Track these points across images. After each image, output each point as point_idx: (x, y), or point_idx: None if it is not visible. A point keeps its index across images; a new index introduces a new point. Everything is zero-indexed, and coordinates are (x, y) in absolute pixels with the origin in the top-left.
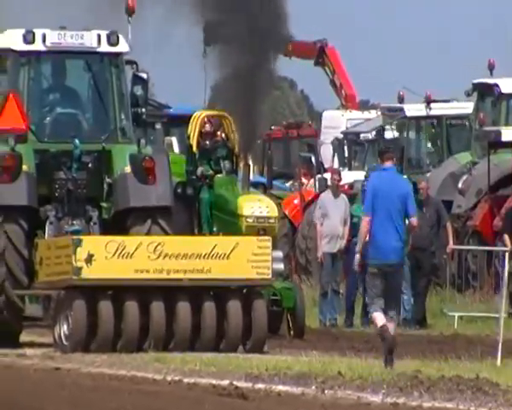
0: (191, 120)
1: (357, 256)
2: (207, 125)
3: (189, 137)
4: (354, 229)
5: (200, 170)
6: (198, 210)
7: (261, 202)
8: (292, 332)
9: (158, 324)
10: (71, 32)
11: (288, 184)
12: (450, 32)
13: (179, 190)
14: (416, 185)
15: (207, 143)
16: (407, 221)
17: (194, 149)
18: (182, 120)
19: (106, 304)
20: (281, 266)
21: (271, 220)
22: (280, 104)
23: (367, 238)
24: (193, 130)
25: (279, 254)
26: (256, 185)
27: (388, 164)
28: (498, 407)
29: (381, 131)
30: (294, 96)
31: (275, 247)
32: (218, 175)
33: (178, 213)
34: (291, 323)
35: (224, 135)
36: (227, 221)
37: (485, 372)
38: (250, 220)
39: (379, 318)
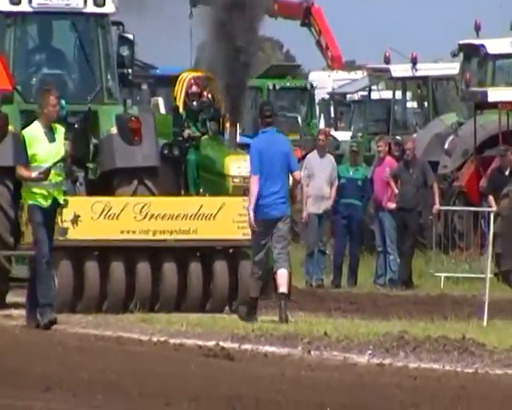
0: (177, 81)
1: (251, 215)
2: (194, 87)
3: (175, 99)
4: (341, 190)
5: (186, 132)
6: (185, 171)
7: (248, 161)
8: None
9: (144, 284)
10: None
11: None
12: None
13: (166, 152)
14: (403, 146)
15: (194, 104)
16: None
17: (181, 110)
18: (168, 81)
19: (92, 265)
20: None
21: None
22: (265, 65)
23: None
24: (179, 91)
25: None
26: (243, 146)
27: (268, 128)
28: (484, 367)
29: (367, 91)
30: (279, 56)
31: None
32: (205, 136)
33: (165, 174)
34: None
35: (210, 96)
36: (214, 182)
37: (472, 333)
38: (236, 180)
39: (257, 288)
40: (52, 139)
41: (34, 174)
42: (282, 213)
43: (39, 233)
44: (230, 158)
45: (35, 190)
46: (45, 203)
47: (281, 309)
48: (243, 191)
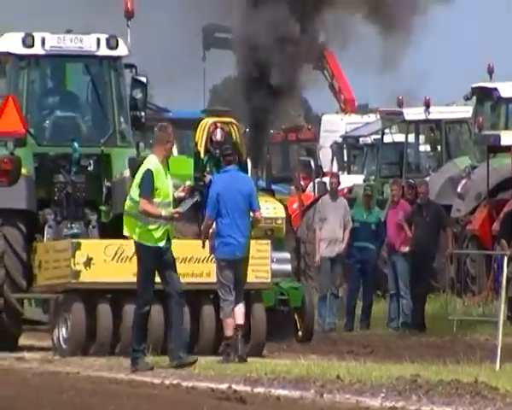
0: (199, 127)
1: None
2: (218, 135)
3: (196, 144)
4: (354, 233)
5: (208, 177)
6: None
7: (268, 202)
8: (300, 333)
9: (156, 327)
10: (70, 36)
11: (292, 188)
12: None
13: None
14: (416, 189)
15: (217, 151)
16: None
17: (202, 155)
18: (181, 124)
19: (104, 307)
20: (288, 266)
21: (279, 221)
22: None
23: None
24: (200, 136)
25: (286, 255)
26: (264, 190)
27: (229, 167)
28: None
29: (380, 134)
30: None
31: (282, 248)
32: None
33: (186, 218)
34: (299, 323)
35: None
36: None
37: (484, 377)
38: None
39: (230, 326)
40: (166, 175)
41: (164, 213)
42: (245, 254)
43: (147, 279)
44: None
45: (151, 227)
46: (163, 244)
47: (236, 342)
48: (264, 232)
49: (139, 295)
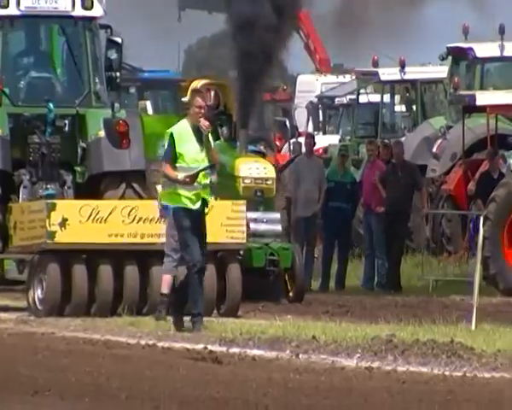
0: (189, 88)
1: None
2: (211, 97)
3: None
4: (329, 193)
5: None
6: None
7: (258, 163)
8: (291, 294)
9: (132, 288)
10: None
11: (261, 147)
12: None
13: None
14: (392, 149)
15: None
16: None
17: None
18: (155, 84)
19: (80, 268)
20: (278, 227)
21: (269, 182)
22: None
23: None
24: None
25: (276, 215)
26: (253, 152)
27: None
28: (473, 371)
29: (355, 95)
30: None
31: (272, 208)
32: (217, 141)
33: None
34: (289, 284)
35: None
36: (225, 184)
37: (460, 337)
38: (247, 181)
39: (167, 283)
40: (200, 140)
41: (181, 176)
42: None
43: (188, 238)
44: (241, 160)
45: (181, 192)
46: (193, 206)
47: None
48: (254, 192)
49: (186, 257)
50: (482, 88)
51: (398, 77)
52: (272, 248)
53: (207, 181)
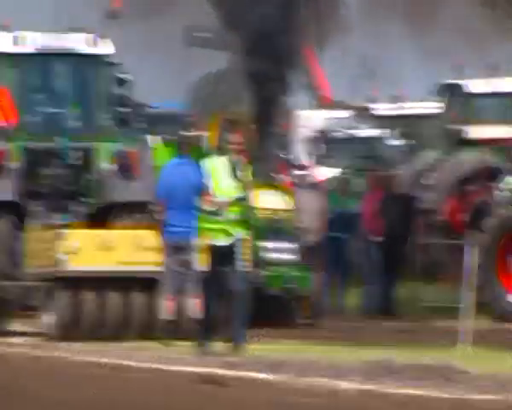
0: (210, 122)
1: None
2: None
3: (209, 141)
4: (329, 223)
5: None
6: None
7: (277, 193)
8: (307, 320)
9: (139, 313)
10: (57, 35)
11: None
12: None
13: None
14: (389, 181)
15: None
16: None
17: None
18: (163, 119)
19: (89, 294)
20: (296, 256)
21: (288, 212)
22: None
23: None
24: (212, 131)
25: (294, 245)
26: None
27: (183, 156)
28: (468, 393)
29: (354, 129)
30: None
31: (290, 238)
32: None
33: None
34: (306, 311)
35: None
36: None
37: (455, 360)
38: (268, 212)
39: (169, 309)
40: (234, 174)
41: (209, 207)
42: (189, 241)
43: (210, 273)
44: (260, 191)
45: (211, 226)
46: (222, 239)
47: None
48: (273, 222)
49: (204, 288)
50: (474, 122)
51: (394, 112)
52: (290, 276)
53: (233, 216)
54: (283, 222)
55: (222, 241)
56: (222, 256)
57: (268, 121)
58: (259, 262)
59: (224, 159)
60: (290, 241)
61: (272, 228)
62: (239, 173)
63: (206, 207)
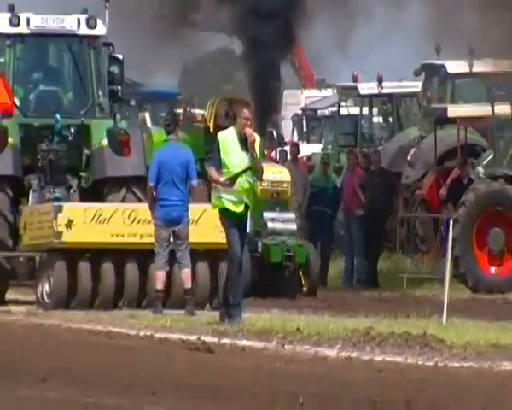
0: (208, 104)
1: (150, 214)
2: (229, 112)
3: (205, 120)
4: (313, 198)
5: None
6: None
7: (274, 168)
8: (305, 289)
9: (132, 284)
10: (53, 16)
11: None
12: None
13: (198, 168)
14: (370, 157)
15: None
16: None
17: (212, 130)
18: (154, 98)
19: (84, 265)
20: (293, 226)
21: (284, 184)
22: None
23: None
24: (209, 113)
25: (291, 215)
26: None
27: (171, 136)
28: (444, 360)
29: (336, 107)
30: None
31: (287, 209)
32: None
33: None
34: (304, 279)
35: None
36: None
37: (432, 329)
38: (264, 185)
39: (160, 279)
40: (245, 147)
41: (222, 179)
42: (181, 216)
43: (231, 236)
44: None
45: (223, 195)
46: (236, 209)
47: (186, 303)
48: (270, 195)
49: (228, 252)
50: (453, 102)
51: (375, 91)
52: (288, 244)
53: (247, 185)
54: (280, 194)
55: (239, 208)
56: (238, 223)
57: (267, 97)
58: (260, 232)
59: (233, 131)
60: (288, 211)
61: (271, 199)
62: (249, 146)
63: (219, 179)
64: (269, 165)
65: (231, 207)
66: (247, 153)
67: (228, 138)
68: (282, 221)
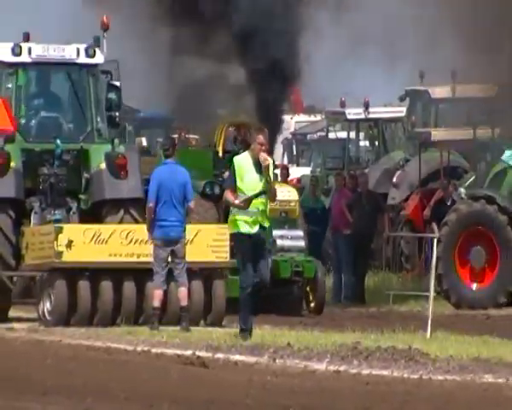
0: (217, 130)
1: (148, 234)
2: (238, 138)
3: (215, 145)
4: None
5: (227, 173)
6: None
7: (283, 187)
8: (312, 305)
9: (129, 301)
10: (53, 46)
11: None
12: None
13: (208, 190)
14: (357, 179)
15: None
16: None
17: (220, 154)
18: (150, 123)
19: (84, 284)
20: (301, 243)
21: (292, 203)
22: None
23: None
24: (218, 137)
25: (300, 232)
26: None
27: (169, 160)
28: (428, 374)
29: (325, 132)
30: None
31: (296, 226)
32: None
33: (206, 210)
34: (311, 296)
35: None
36: None
37: (417, 344)
38: (273, 204)
39: (157, 297)
40: (259, 171)
41: (237, 201)
42: (178, 236)
43: (243, 262)
44: None
45: (237, 217)
46: (250, 230)
47: (181, 320)
48: (279, 213)
49: (240, 279)
50: (436, 126)
51: (362, 116)
52: (297, 260)
53: (262, 207)
54: (289, 212)
55: (253, 228)
56: (253, 245)
57: (275, 123)
58: (270, 249)
59: (248, 156)
60: (297, 229)
61: (280, 217)
62: (264, 170)
63: (234, 201)
64: (277, 185)
65: (246, 228)
66: (260, 177)
67: (243, 163)
68: (290, 238)
